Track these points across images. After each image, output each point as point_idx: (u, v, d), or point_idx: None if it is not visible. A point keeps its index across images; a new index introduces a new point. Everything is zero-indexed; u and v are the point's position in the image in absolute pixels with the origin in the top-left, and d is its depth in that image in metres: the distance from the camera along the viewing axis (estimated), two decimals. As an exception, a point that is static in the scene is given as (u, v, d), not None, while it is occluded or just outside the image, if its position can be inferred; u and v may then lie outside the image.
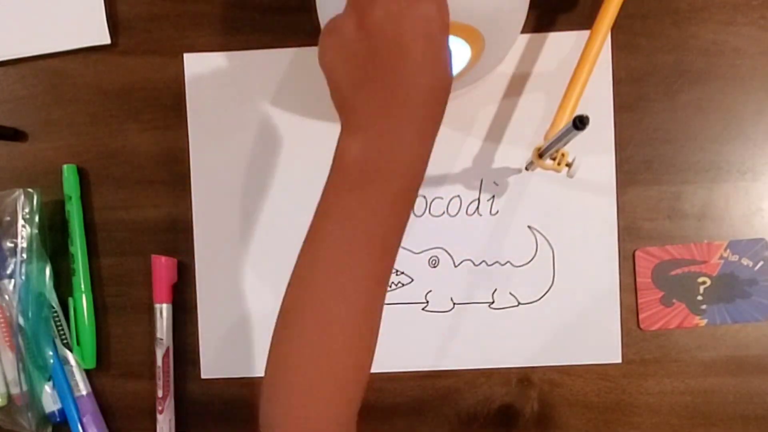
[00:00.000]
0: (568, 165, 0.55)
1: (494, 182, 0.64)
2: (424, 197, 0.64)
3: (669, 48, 0.63)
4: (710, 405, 0.63)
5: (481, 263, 0.64)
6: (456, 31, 0.48)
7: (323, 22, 0.54)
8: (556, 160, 0.55)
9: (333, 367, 0.44)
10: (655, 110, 0.63)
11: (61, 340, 0.64)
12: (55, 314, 0.64)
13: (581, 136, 0.63)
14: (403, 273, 0.64)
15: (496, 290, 0.64)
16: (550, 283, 0.64)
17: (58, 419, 0.64)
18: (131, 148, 0.65)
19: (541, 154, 0.54)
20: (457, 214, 0.64)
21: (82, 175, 0.65)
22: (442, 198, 0.64)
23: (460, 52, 0.51)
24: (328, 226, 0.44)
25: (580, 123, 0.45)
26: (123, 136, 0.65)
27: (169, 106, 0.65)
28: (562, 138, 0.50)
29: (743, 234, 0.63)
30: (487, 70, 0.57)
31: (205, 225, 0.65)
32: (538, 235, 0.64)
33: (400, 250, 0.63)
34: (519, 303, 0.64)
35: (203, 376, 0.65)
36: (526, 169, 0.63)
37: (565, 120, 0.56)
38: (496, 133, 0.64)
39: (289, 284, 0.45)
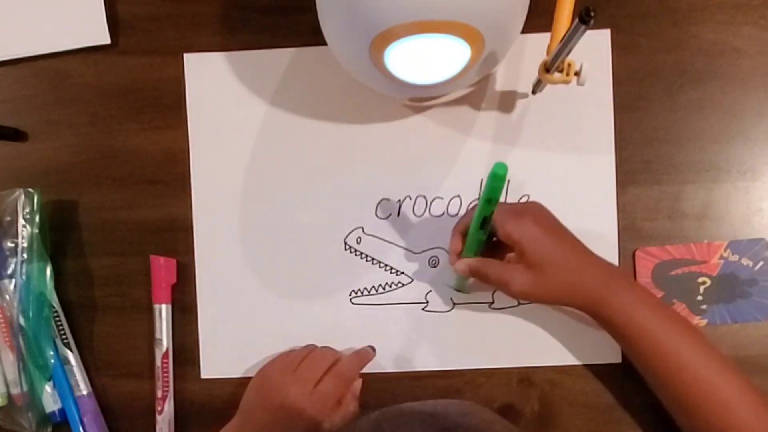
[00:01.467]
0: (577, 74, 0.53)
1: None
2: (424, 197, 0.64)
3: (669, 48, 0.63)
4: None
5: (481, 263, 0.64)
6: (456, 31, 0.48)
7: (323, 22, 0.54)
8: (564, 72, 0.52)
9: None
10: (655, 110, 0.63)
11: (62, 339, 0.64)
12: (56, 314, 0.64)
13: (581, 136, 0.63)
14: (403, 273, 0.64)
15: (496, 290, 0.64)
16: (550, 283, 0.63)
17: (58, 419, 0.64)
18: (131, 148, 0.65)
19: (548, 68, 0.52)
20: (457, 214, 0.64)
21: (83, 174, 0.65)
22: (442, 198, 0.64)
23: (460, 52, 0.50)
24: None
25: (586, 16, 0.41)
26: (123, 136, 0.65)
27: (169, 106, 0.65)
28: (570, 40, 0.47)
29: (743, 234, 0.63)
30: (487, 70, 0.57)
31: (205, 225, 0.65)
32: (538, 235, 0.64)
33: (401, 250, 0.64)
34: (519, 303, 0.64)
35: (203, 376, 0.65)
36: (533, 92, 0.61)
37: (565, 23, 0.53)
38: (496, 133, 0.64)
39: None
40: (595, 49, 0.63)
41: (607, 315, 0.56)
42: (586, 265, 0.56)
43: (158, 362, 0.64)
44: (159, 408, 0.64)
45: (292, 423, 0.58)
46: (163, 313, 0.64)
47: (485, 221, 0.53)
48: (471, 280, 0.60)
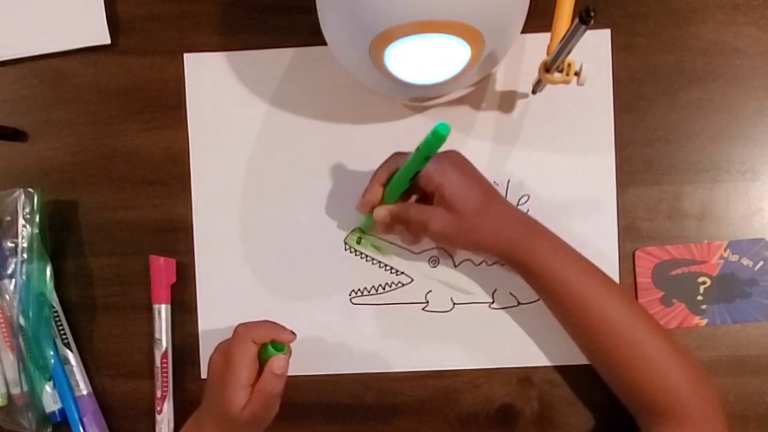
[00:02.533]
0: (577, 74, 0.53)
1: (494, 182, 0.64)
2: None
3: (669, 48, 0.63)
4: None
5: (481, 263, 0.64)
6: (456, 31, 0.48)
7: (323, 22, 0.54)
8: (564, 72, 0.53)
9: None
10: (655, 110, 0.63)
11: (62, 339, 0.64)
12: (56, 314, 0.64)
13: (581, 136, 0.63)
14: (403, 273, 0.64)
15: (496, 290, 0.64)
16: (550, 283, 0.63)
17: (58, 419, 0.64)
18: (131, 148, 0.65)
19: (548, 68, 0.52)
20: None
21: (83, 174, 0.65)
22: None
23: (460, 52, 0.50)
24: None
25: (586, 16, 0.41)
26: (123, 136, 0.65)
27: (169, 106, 0.65)
28: (570, 40, 0.47)
29: (743, 234, 0.63)
30: (487, 70, 0.57)
31: (205, 225, 0.65)
32: (538, 235, 0.64)
33: (401, 250, 0.64)
34: (519, 303, 0.64)
35: (203, 376, 0.65)
36: (533, 92, 0.62)
37: (565, 23, 0.54)
38: (496, 132, 0.64)
39: None
40: (595, 49, 0.63)
41: (525, 261, 0.57)
42: (507, 213, 0.57)
43: (157, 362, 0.64)
44: (158, 408, 0.64)
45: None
46: (163, 313, 0.64)
47: (415, 174, 0.55)
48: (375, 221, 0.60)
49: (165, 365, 0.64)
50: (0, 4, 0.65)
